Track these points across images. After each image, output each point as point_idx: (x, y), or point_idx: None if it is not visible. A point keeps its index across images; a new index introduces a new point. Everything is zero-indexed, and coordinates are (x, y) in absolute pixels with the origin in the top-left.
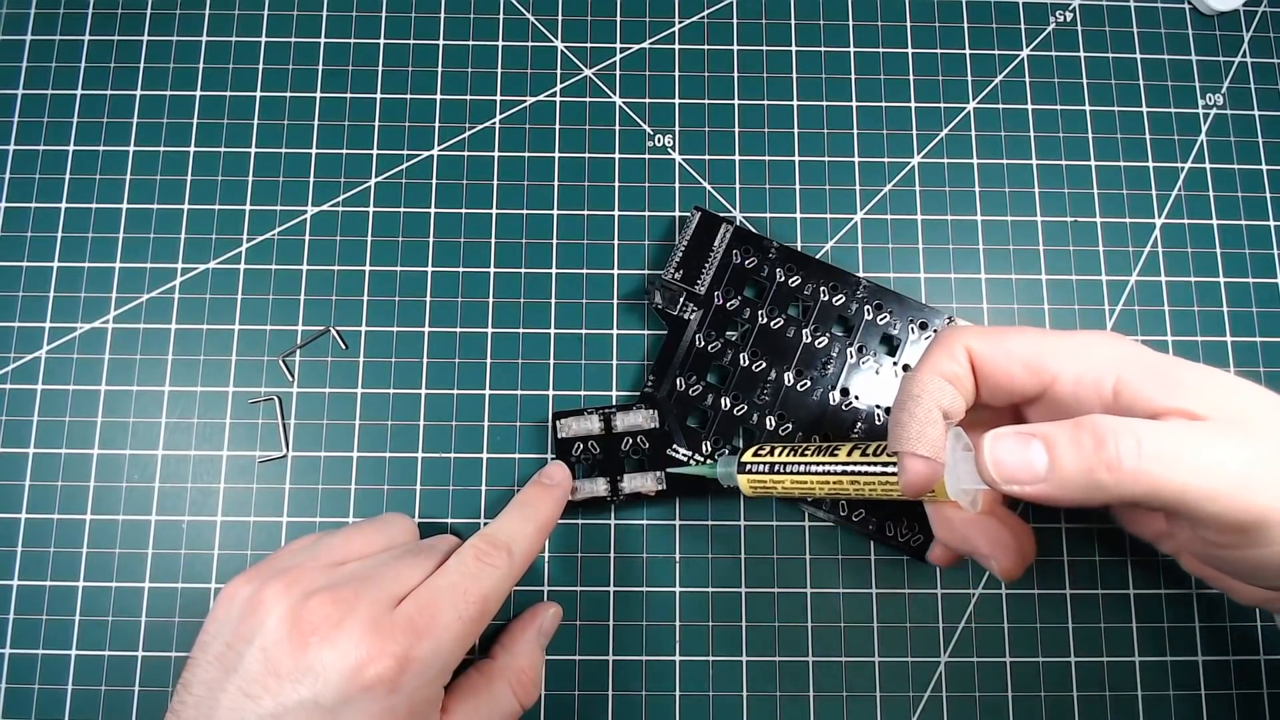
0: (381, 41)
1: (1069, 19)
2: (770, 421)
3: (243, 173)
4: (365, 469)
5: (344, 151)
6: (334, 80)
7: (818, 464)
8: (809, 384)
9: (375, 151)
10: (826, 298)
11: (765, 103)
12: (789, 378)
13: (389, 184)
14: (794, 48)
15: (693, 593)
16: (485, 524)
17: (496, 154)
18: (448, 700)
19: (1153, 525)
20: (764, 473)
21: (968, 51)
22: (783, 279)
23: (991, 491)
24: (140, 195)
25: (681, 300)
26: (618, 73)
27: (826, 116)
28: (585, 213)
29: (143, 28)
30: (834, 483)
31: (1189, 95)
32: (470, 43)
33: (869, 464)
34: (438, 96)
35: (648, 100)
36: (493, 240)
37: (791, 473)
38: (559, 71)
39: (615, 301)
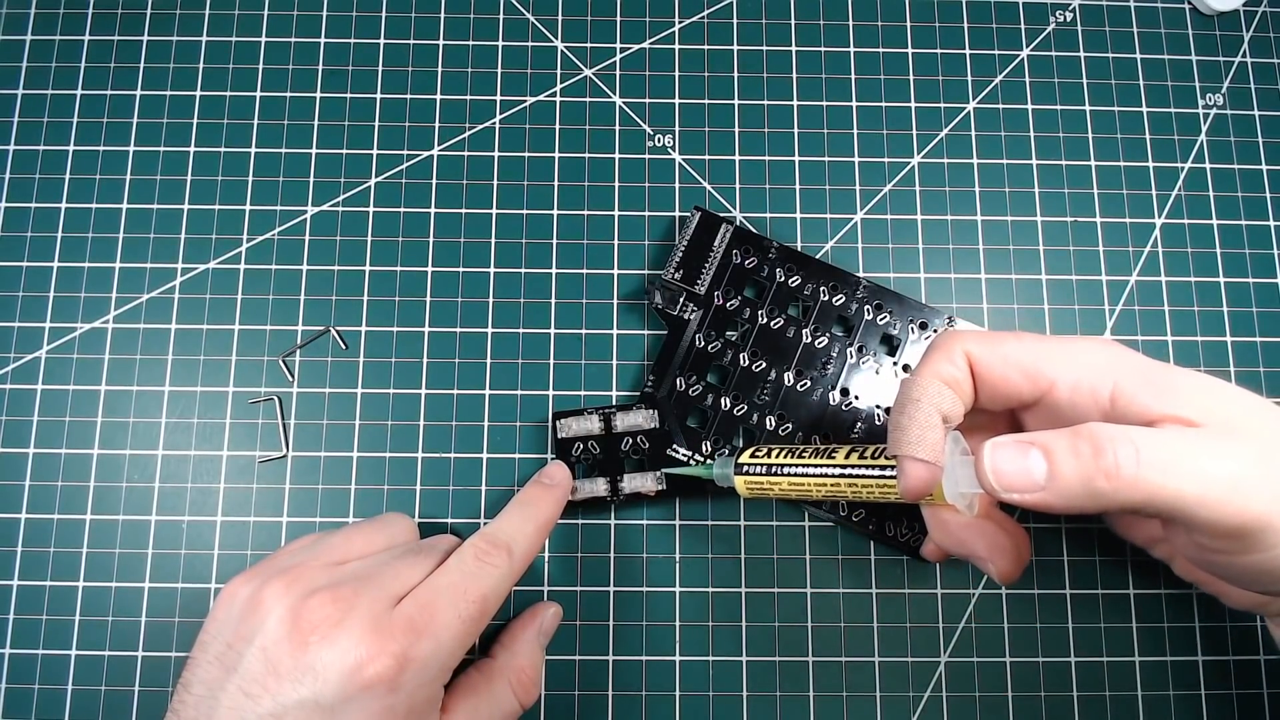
0: (381, 41)
1: (1069, 19)
2: (770, 421)
3: (243, 173)
4: (365, 469)
5: (344, 151)
6: (334, 80)
7: (815, 466)
8: (809, 384)
9: (375, 151)
10: (826, 298)
11: (765, 103)
12: (789, 378)
13: (389, 184)
14: (794, 48)
15: (693, 593)
16: (485, 524)
17: (496, 154)
18: (448, 699)
19: (1146, 530)
20: (761, 474)
21: (968, 51)
22: (783, 279)
23: (988, 495)
24: (140, 195)
25: (681, 300)
26: (618, 73)
27: (826, 116)
28: (585, 213)
29: (143, 28)
30: (831, 485)
31: (1189, 95)
32: (470, 43)
33: (867, 467)
34: (438, 96)
35: (648, 100)
36: (493, 240)
37: (788, 474)
38: (559, 71)
39: (615, 301)
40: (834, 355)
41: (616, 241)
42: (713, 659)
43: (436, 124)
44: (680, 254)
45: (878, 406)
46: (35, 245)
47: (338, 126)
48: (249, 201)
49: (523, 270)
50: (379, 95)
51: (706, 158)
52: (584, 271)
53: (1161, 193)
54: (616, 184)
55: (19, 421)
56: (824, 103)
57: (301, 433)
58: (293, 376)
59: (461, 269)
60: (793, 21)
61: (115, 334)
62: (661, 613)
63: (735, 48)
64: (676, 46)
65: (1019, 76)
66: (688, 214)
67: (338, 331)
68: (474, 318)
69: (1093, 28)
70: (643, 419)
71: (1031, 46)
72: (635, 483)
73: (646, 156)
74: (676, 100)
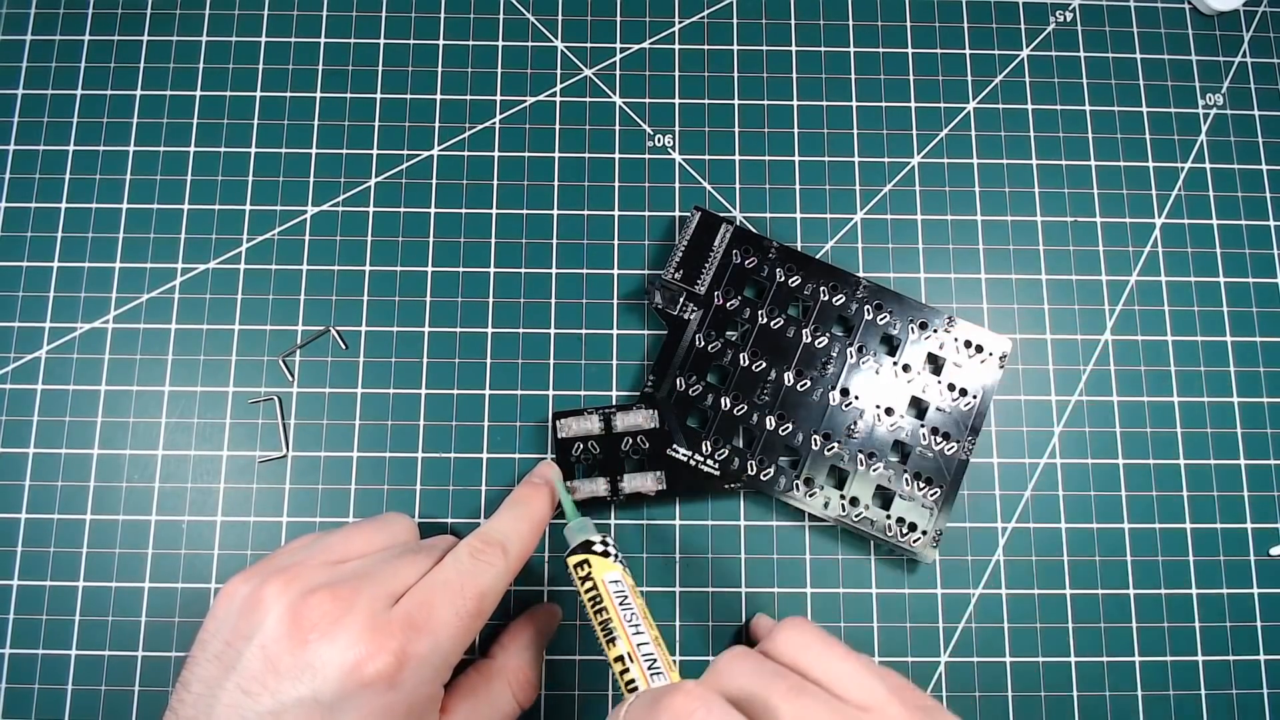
0: (381, 41)
1: (1069, 19)
2: (770, 421)
3: (243, 173)
4: (365, 469)
5: (344, 151)
6: (334, 80)
7: (606, 620)
8: (809, 384)
9: (375, 151)
10: (826, 298)
11: (765, 103)
12: (789, 378)
13: (389, 184)
14: (794, 48)
15: (693, 593)
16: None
17: (496, 154)
18: (447, 700)
19: None
20: (583, 578)
21: (968, 51)
22: (783, 279)
23: None
24: (140, 195)
25: (681, 300)
26: (618, 73)
27: (826, 116)
28: (585, 213)
29: (143, 28)
30: (602, 634)
31: (1189, 95)
32: (470, 43)
33: (618, 668)
34: (438, 96)
35: (648, 100)
36: (493, 240)
37: (593, 603)
38: (559, 71)
39: (615, 301)
40: (834, 355)
41: (616, 241)
42: (713, 659)
43: (436, 124)
44: (680, 254)
45: (878, 406)
46: (35, 245)
47: (338, 126)
48: (249, 201)
49: (523, 270)
50: (379, 95)
51: (706, 158)
52: (584, 271)
53: (1161, 193)
54: (616, 184)
55: (19, 421)
56: (824, 103)
57: (301, 433)
58: (293, 376)
59: (461, 269)
60: (793, 21)
61: (115, 334)
62: (662, 613)
63: (735, 48)
64: (676, 46)
65: (1019, 76)
66: (688, 214)
67: (338, 331)
68: (474, 318)
69: (1093, 28)
70: (643, 419)
71: (1031, 46)
72: (635, 483)
73: (646, 156)
74: (676, 100)
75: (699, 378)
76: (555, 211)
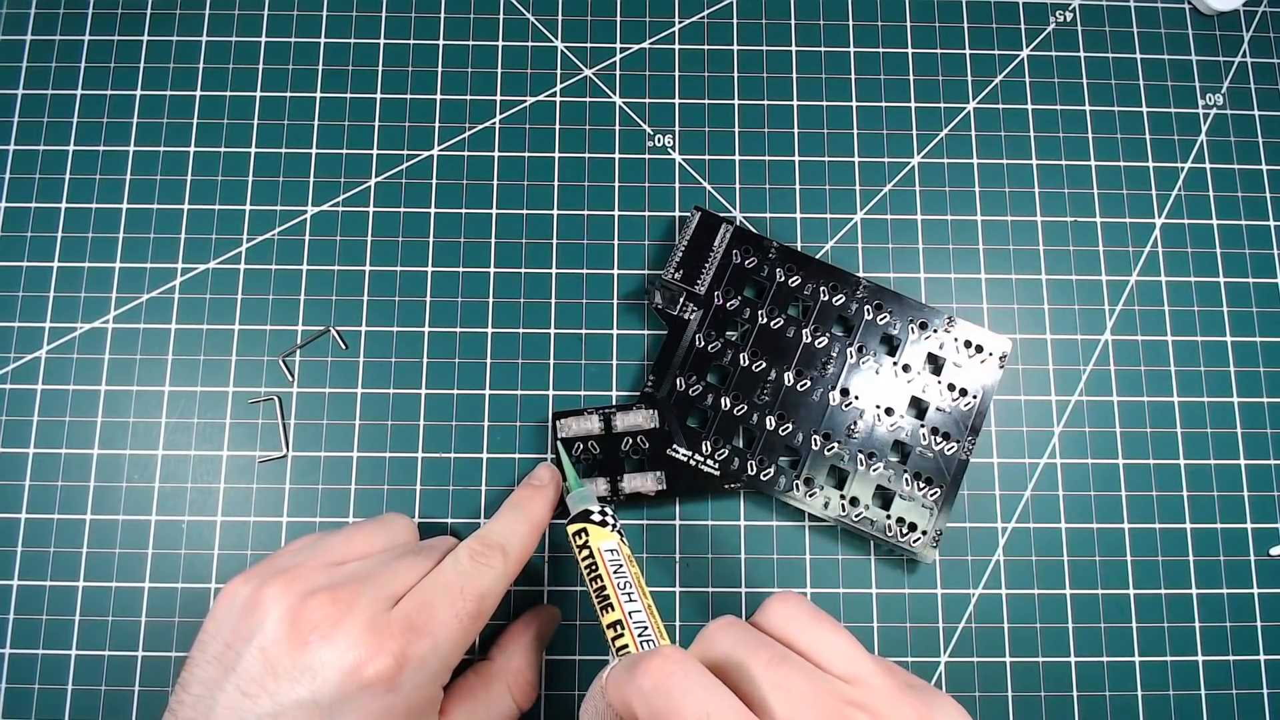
0: (381, 41)
1: (1069, 19)
2: (770, 421)
3: (243, 173)
4: (365, 469)
5: (344, 151)
6: (334, 80)
7: (601, 588)
8: (809, 384)
9: (375, 151)
10: (826, 298)
11: (765, 103)
12: (789, 378)
13: (389, 184)
14: (794, 48)
15: (693, 593)
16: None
17: (496, 154)
18: (446, 702)
19: None
20: (580, 546)
21: (968, 51)
22: (783, 279)
23: None
24: (140, 195)
25: (681, 300)
26: (618, 73)
27: (826, 116)
28: (585, 213)
29: (143, 28)
30: (598, 601)
31: (1189, 95)
32: (470, 43)
33: (611, 634)
34: (438, 96)
35: (648, 100)
36: (493, 240)
37: (589, 570)
38: (559, 71)
39: (615, 301)
40: (834, 355)
41: (616, 241)
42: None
43: (436, 124)
44: (680, 254)
45: (878, 406)
46: (35, 245)
47: (338, 126)
48: (249, 201)
49: (523, 270)
50: (379, 95)
51: (706, 158)
52: (584, 271)
53: (1161, 193)
54: (616, 184)
55: (19, 421)
56: (824, 103)
57: (301, 433)
58: (293, 376)
59: (461, 269)
60: (793, 21)
61: (115, 334)
62: (662, 613)
63: (735, 48)
64: (676, 46)
65: (1019, 76)
66: (688, 214)
67: (338, 331)
68: (474, 318)
69: (1093, 28)
70: (643, 419)
71: (1031, 46)
72: (635, 483)
73: (646, 156)
74: (676, 100)
75: (699, 378)
76: (555, 211)
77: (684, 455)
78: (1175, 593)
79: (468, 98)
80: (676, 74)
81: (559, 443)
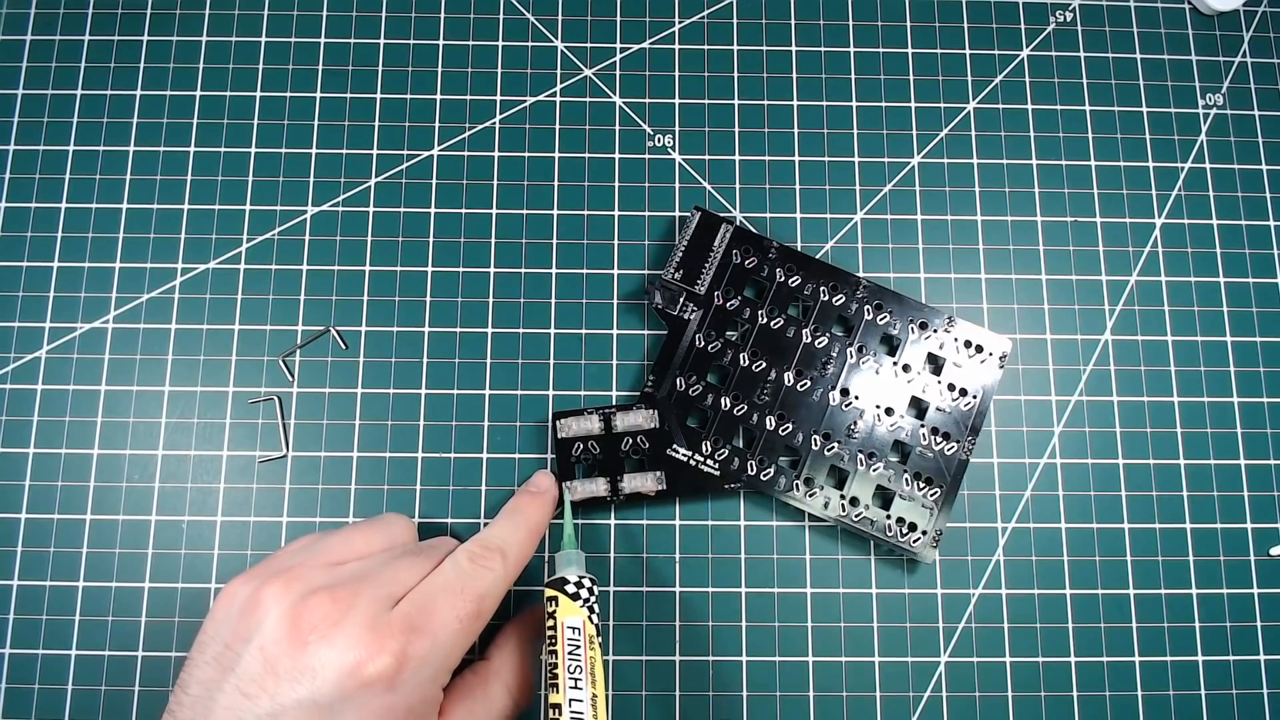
0: (381, 41)
1: (1069, 19)
2: (770, 421)
3: (243, 173)
4: (365, 469)
5: (344, 151)
6: (334, 80)
7: (553, 665)
8: (809, 384)
9: (375, 151)
10: (826, 298)
11: (765, 103)
12: (789, 378)
13: (389, 184)
14: (794, 48)
15: (693, 593)
16: (485, 524)
17: (496, 154)
18: (444, 703)
19: None
20: (548, 614)
21: (968, 51)
22: (783, 279)
23: None
24: (140, 195)
25: (681, 300)
26: (618, 73)
27: (826, 116)
28: (585, 213)
29: (143, 28)
30: (546, 676)
31: (1189, 95)
32: (470, 43)
33: (550, 715)
34: (438, 96)
35: (648, 100)
36: (493, 240)
37: (549, 641)
38: (559, 71)
39: (615, 301)
40: (834, 355)
41: (616, 241)
42: (713, 659)
43: (436, 124)
44: (680, 254)
45: (878, 406)
46: (35, 245)
47: (338, 126)
48: (249, 201)
49: (523, 270)
50: (379, 95)
51: (706, 158)
52: (584, 271)
53: (1161, 193)
54: (616, 184)
55: (19, 421)
56: (824, 103)
57: (301, 433)
58: (293, 376)
59: (461, 269)
60: (793, 21)
61: (115, 334)
62: (662, 613)
63: (735, 48)
64: (676, 46)
65: (1019, 76)
66: (688, 214)
67: (338, 331)
68: (474, 318)
69: (1093, 28)
70: (643, 419)
71: (1031, 46)
72: (635, 483)
73: (646, 156)
74: (676, 100)
75: (699, 378)
76: (555, 211)
77: (684, 455)
78: (1175, 593)
79: (468, 98)
80: (676, 74)
81: (564, 492)
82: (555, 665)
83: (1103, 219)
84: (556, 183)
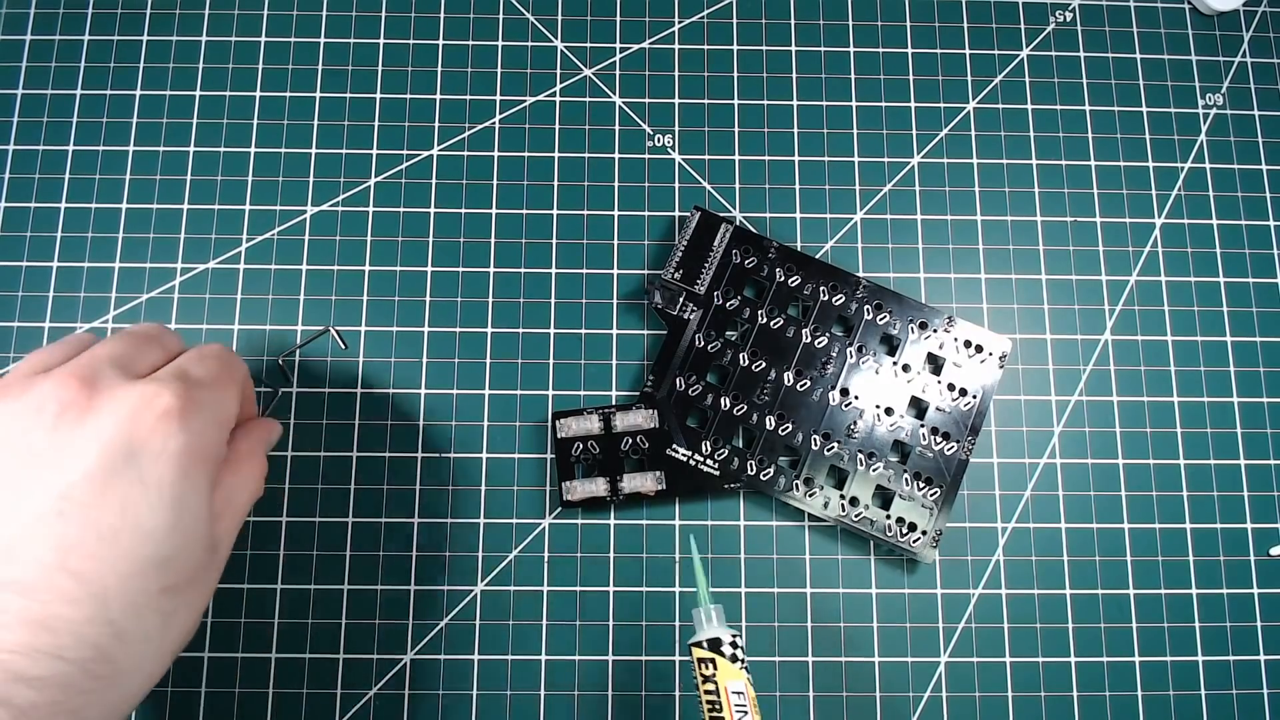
0: (381, 41)
1: (1069, 19)
2: (770, 421)
3: (243, 173)
4: (365, 469)
5: (344, 151)
6: (334, 80)
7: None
8: (809, 384)
9: (375, 151)
10: (826, 298)
11: (765, 103)
12: (789, 378)
13: (389, 184)
14: (794, 48)
15: (693, 593)
16: (485, 524)
17: (496, 154)
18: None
19: None
20: (705, 677)
21: (968, 51)
22: (783, 279)
23: None
24: (140, 195)
25: (681, 300)
26: (618, 73)
27: (826, 116)
28: (585, 213)
29: (143, 28)
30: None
31: (1189, 95)
32: (470, 43)
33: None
34: (438, 96)
35: (648, 100)
36: (493, 240)
37: (710, 706)
38: (559, 71)
39: (615, 301)
40: (834, 355)
41: (616, 241)
42: None
43: (436, 124)
44: (680, 254)
45: (878, 406)
46: (35, 245)
47: (338, 126)
48: (249, 201)
49: (523, 270)
50: (379, 95)
51: (706, 158)
52: (584, 271)
53: (1161, 193)
54: (616, 184)
55: None
56: (824, 103)
57: (301, 432)
58: (292, 376)
59: (461, 269)
60: (793, 21)
61: None
62: (661, 613)
63: (735, 48)
64: (676, 46)
65: (1019, 76)
66: (688, 214)
67: (337, 331)
68: (474, 318)
69: (1093, 28)
70: (643, 419)
71: (1031, 46)
72: (635, 483)
73: (646, 156)
74: (676, 100)
75: (699, 378)
76: (555, 211)
77: (684, 455)
78: (1175, 593)
79: (467, 98)
80: (676, 74)
81: (692, 543)
82: None
83: (1103, 219)
84: (556, 182)
